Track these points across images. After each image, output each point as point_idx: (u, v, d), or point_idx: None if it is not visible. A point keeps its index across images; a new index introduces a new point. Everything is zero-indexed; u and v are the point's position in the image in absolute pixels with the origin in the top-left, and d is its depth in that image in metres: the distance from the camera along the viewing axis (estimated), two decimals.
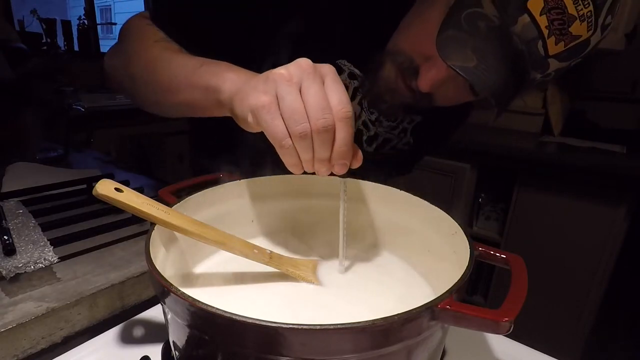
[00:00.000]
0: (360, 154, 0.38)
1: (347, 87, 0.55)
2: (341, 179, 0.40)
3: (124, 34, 0.60)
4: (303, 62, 0.36)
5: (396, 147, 0.68)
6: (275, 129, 0.35)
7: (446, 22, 0.46)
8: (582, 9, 0.42)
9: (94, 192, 0.33)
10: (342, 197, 0.43)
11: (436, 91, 0.54)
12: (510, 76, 0.47)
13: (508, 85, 0.47)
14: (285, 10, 0.58)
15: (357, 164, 0.39)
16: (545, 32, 0.43)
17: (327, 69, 0.37)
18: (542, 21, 0.43)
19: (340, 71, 0.59)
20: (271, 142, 0.36)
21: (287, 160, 0.36)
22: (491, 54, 0.45)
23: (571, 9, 0.42)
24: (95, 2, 2.72)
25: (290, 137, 0.35)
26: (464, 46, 0.45)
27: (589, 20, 0.43)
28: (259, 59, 0.47)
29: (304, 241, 0.52)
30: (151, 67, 0.53)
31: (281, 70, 0.36)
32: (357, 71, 0.61)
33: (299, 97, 0.35)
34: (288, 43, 0.55)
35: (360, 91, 0.62)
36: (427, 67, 0.53)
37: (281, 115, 0.35)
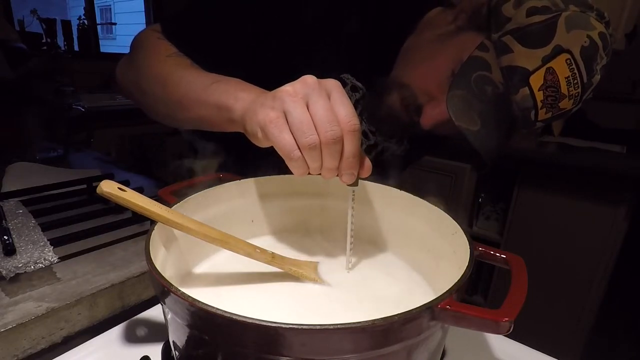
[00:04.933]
0: (368, 163, 0.39)
1: None
2: (350, 187, 0.41)
3: (136, 47, 0.60)
4: (308, 79, 0.37)
5: (394, 154, 0.69)
6: (283, 142, 0.36)
7: (457, 80, 0.52)
8: (572, 90, 0.49)
9: (98, 191, 0.34)
10: (350, 205, 0.43)
11: (436, 128, 0.58)
12: (504, 138, 0.55)
13: (500, 146, 0.55)
14: (293, 24, 0.59)
15: (365, 173, 0.40)
16: (540, 105, 0.50)
17: (333, 84, 0.38)
18: (539, 96, 0.50)
19: (343, 84, 0.59)
20: (280, 154, 0.37)
21: (296, 170, 0.37)
22: (493, 118, 0.52)
23: (564, 89, 0.49)
24: (95, 2, 2.72)
25: (299, 149, 0.36)
26: (471, 108, 0.51)
27: (576, 98, 0.50)
28: (267, 72, 0.48)
29: (304, 241, 0.52)
30: (162, 82, 0.54)
31: (287, 87, 0.37)
32: (359, 84, 0.63)
33: (306, 111, 0.36)
34: (295, 56, 0.56)
35: (361, 103, 0.64)
36: (430, 106, 0.57)
37: (289, 129, 0.36)
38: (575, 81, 0.49)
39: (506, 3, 0.51)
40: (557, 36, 0.48)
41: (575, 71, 0.48)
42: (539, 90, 0.49)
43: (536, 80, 0.49)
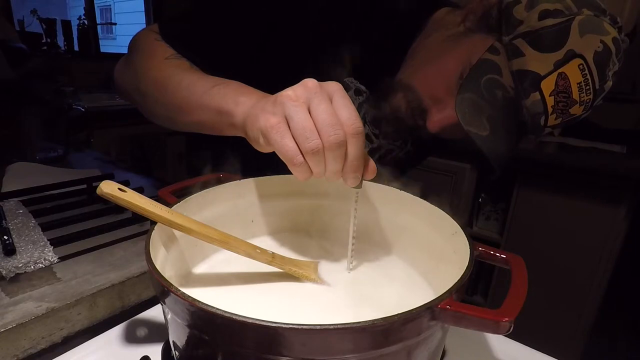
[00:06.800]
0: (372, 165, 0.39)
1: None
2: (355, 189, 0.40)
3: (133, 49, 0.60)
4: (309, 82, 0.37)
5: (397, 157, 0.69)
6: (285, 148, 0.35)
7: (467, 83, 0.50)
8: (584, 96, 0.48)
9: (98, 192, 0.33)
10: (354, 207, 0.43)
11: (442, 131, 0.57)
12: (513, 143, 0.54)
13: (509, 151, 0.53)
14: (293, 26, 0.59)
15: (370, 176, 0.39)
16: (550, 110, 0.49)
17: (334, 87, 0.37)
18: (550, 101, 0.48)
19: (347, 88, 0.60)
20: (283, 160, 0.36)
21: (299, 175, 0.37)
22: (502, 123, 0.51)
23: (575, 95, 0.48)
24: (95, 2, 2.72)
25: (302, 154, 0.35)
26: (481, 113, 0.50)
27: (587, 105, 0.49)
28: (268, 75, 0.48)
29: (305, 241, 0.52)
30: (161, 85, 0.53)
31: (288, 92, 0.37)
32: (362, 87, 0.63)
33: (308, 116, 0.35)
34: (296, 59, 0.56)
35: (365, 106, 0.63)
36: (437, 109, 0.56)
37: (291, 134, 0.36)
38: (587, 87, 0.48)
39: (517, 5, 0.50)
40: (571, 40, 0.46)
41: (588, 77, 0.47)
42: (550, 95, 0.48)
43: (547, 85, 0.48)
